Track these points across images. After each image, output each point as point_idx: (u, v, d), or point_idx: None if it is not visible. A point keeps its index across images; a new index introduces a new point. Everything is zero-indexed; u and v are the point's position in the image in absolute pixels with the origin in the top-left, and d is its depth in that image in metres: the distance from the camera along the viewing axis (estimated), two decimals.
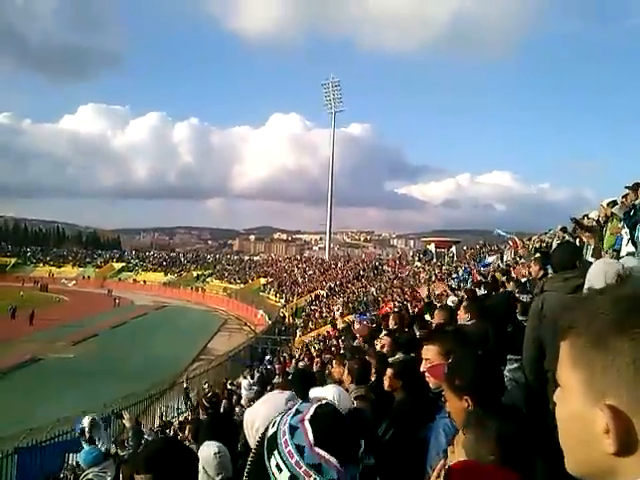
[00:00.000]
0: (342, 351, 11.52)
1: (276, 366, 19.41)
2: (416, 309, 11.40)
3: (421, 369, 3.11)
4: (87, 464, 4.34)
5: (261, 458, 1.37)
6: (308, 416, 1.38)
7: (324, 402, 1.51)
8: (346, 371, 4.80)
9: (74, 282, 78.81)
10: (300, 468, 1.29)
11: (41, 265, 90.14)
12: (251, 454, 1.43)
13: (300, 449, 1.31)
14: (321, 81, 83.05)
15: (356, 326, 15.86)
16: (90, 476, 4.16)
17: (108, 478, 4.10)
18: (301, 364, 15.56)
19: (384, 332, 7.44)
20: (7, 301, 48.86)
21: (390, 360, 4.93)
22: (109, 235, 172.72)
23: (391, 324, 7.67)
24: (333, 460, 1.30)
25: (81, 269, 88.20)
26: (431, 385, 2.99)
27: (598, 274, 3.02)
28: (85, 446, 4.96)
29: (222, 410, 11.43)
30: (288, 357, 21.76)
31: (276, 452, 1.33)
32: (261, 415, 2.16)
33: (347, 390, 4.81)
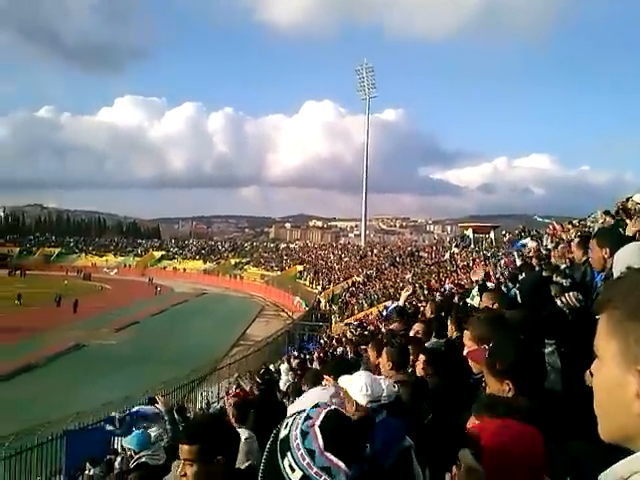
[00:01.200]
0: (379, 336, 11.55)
1: (315, 351, 19.56)
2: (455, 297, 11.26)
3: (464, 354, 3.14)
4: (139, 447, 4.45)
5: (274, 457, 1.50)
6: (318, 422, 1.52)
7: (333, 408, 1.63)
8: (384, 356, 4.83)
9: (115, 271, 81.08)
10: (312, 470, 1.43)
11: (84, 255, 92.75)
12: (265, 453, 1.55)
13: (311, 453, 1.45)
14: (354, 67, 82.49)
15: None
16: (144, 459, 4.28)
17: (161, 461, 4.21)
18: (339, 350, 15.64)
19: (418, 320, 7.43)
20: (53, 290, 50.73)
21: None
22: (148, 224, 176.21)
23: (427, 313, 7.62)
24: (341, 464, 1.44)
25: (122, 258, 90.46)
26: (474, 370, 3.00)
27: (633, 255, 2.98)
28: (135, 430, 5.09)
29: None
30: (327, 343, 21.89)
31: (289, 454, 1.46)
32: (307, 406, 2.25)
33: (385, 376, 4.87)
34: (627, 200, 11.28)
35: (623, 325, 0.79)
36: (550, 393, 2.55)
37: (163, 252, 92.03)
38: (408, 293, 11.55)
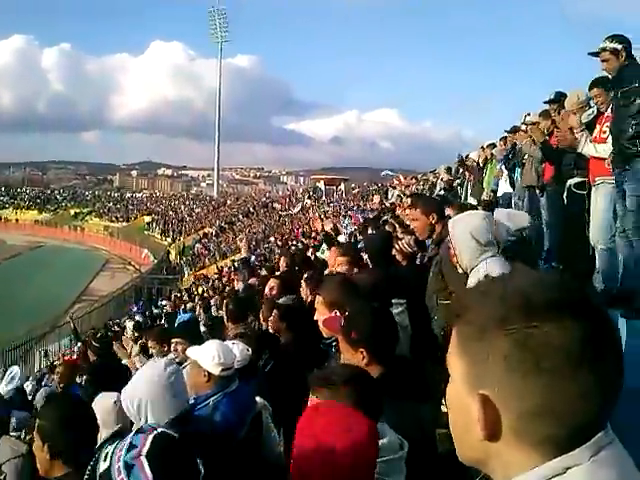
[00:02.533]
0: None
1: (167, 306, 18.96)
2: (309, 249, 11.43)
3: (315, 319, 3.09)
4: None
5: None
6: (144, 451, 1.36)
7: (159, 431, 1.48)
8: (223, 310, 4.73)
9: None
10: None
11: None
12: None
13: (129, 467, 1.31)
14: (207, 9, 78.83)
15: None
16: None
17: None
18: (189, 305, 15.30)
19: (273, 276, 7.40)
20: None
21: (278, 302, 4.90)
22: None
23: (282, 266, 7.59)
24: None
25: None
26: (324, 335, 2.99)
27: (462, 228, 3.03)
28: None
29: None
30: (177, 297, 21.27)
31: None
32: (141, 391, 2.05)
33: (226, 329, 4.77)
34: (465, 158, 12.09)
35: (471, 344, 0.75)
36: (400, 359, 2.59)
37: None
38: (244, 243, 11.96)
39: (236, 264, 14.76)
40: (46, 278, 35.83)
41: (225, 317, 4.59)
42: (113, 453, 1.37)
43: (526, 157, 6.95)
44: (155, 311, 19.30)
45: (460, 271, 2.97)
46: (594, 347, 0.70)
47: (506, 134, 8.83)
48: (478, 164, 10.87)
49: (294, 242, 20.91)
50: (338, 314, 2.88)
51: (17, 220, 73.65)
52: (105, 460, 1.37)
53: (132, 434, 1.44)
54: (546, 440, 0.70)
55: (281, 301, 4.89)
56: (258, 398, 3.08)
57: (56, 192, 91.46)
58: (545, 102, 6.82)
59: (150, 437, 1.39)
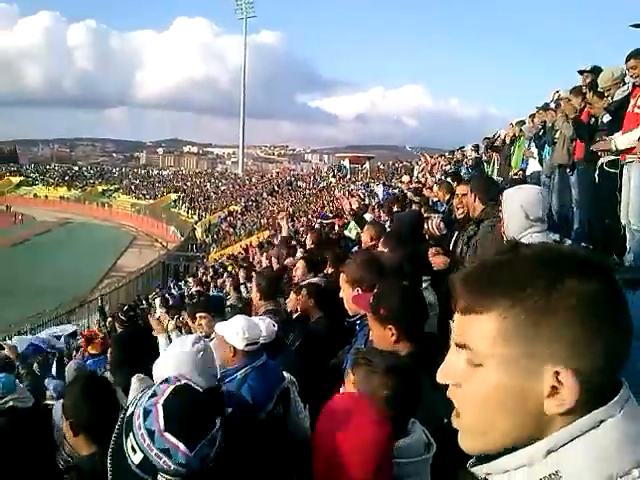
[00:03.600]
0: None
1: (192, 283, 19.17)
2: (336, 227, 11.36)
3: (340, 296, 3.10)
4: (4, 391, 4.16)
5: (120, 437, 1.45)
6: (162, 400, 1.44)
7: (182, 383, 1.55)
8: (254, 287, 4.75)
9: None
10: (152, 451, 1.38)
11: None
12: (115, 431, 1.48)
13: (151, 433, 1.38)
14: None
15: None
16: (11, 403, 3.99)
17: (29, 403, 3.96)
18: (219, 282, 15.42)
19: (299, 253, 7.41)
20: None
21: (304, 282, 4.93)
22: (4, 147, 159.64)
23: (308, 243, 7.60)
24: (181, 446, 1.38)
25: None
26: (350, 312, 3.00)
27: (515, 200, 3.07)
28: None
29: None
30: (204, 274, 21.46)
31: (131, 434, 1.41)
32: (170, 368, 2.09)
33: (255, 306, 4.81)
34: (495, 137, 11.89)
35: (527, 324, 0.72)
36: (429, 335, 2.59)
37: (22, 177, 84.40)
38: (285, 221, 11.32)
39: (275, 241, 14.62)
40: (75, 254, 36.66)
41: (255, 294, 4.61)
42: (140, 399, 1.45)
43: (557, 135, 6.81)
44: (183, 288, 19.55)
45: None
46: (621, 303, 0.75)
47: (536, 111, 8.64)
48: (504, 141, 10.69)
49: (319, 220, 20.84)
50: (360, 292, 2.88)
51: (46, 197, 74.99)
52: (132, 405, 1.46)
53: (158, 383, 1.53)
54: (585, 397, 0.72)
55: (309, 281, 4.91)
56: (286, 374, 3.11)
57: (84, 169, 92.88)
58: (579, 71, 6.65)
59: (171, 388, 1.47)
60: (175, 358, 2.27)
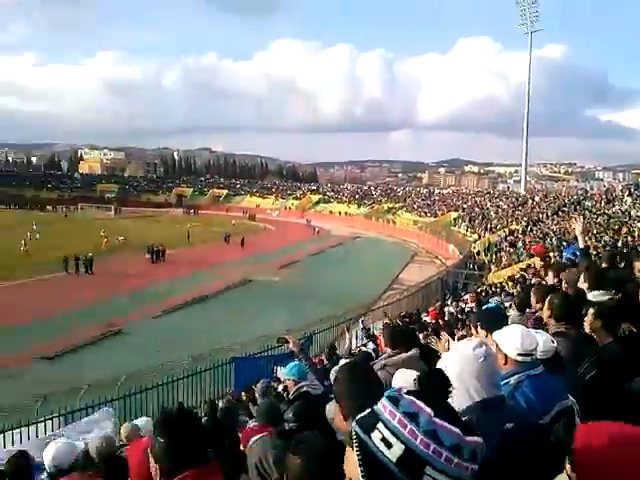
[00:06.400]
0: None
1: (468, 300, 19.18)
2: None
3: None
4: (299, 376, 4.75)
5: (362, 445, 1.22)
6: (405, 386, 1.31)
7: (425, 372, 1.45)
8: (546, 304, 4.58)
9: (277, 212, 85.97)
10: (416, 438, 1.18)
11: (248, 196, 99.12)
12: (355, 448, 1.24)
13: (413, 415, 1.20)
14: None
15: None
16: (305, 388, 4.59)
17: (320, 390, 4.51)
18: (495, 299, 15.18)
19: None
20: (222, 228, 55.85)
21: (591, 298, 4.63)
22: (306, 169, 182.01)
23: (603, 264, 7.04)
24: (456, 430, 1.21)
25: (283, 200, 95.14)
26: None
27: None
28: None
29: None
30: (483, 291, 21.27)
31: (381, 425, 1.21)
32: (450, 371, 2.15)
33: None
34: None
35: None
36: None
37: (320, 196, 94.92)
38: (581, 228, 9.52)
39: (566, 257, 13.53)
40: (363, 265, 40.01)
41: (546, 311, 4.51)
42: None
43: None
44: (460, 305, 19.62)
45: None
46: None
47: None
48: None
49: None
50: None
51: (340, 213, 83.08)
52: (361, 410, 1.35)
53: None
54: None
55: (595, 297, 4.63)
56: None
57: (372, 188, 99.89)
58: None
59: (415, 375, 1.40)
60: (456, 361, 2.26)
